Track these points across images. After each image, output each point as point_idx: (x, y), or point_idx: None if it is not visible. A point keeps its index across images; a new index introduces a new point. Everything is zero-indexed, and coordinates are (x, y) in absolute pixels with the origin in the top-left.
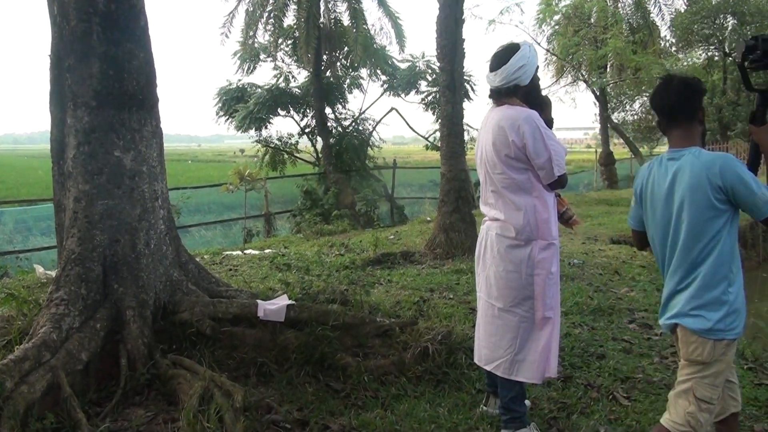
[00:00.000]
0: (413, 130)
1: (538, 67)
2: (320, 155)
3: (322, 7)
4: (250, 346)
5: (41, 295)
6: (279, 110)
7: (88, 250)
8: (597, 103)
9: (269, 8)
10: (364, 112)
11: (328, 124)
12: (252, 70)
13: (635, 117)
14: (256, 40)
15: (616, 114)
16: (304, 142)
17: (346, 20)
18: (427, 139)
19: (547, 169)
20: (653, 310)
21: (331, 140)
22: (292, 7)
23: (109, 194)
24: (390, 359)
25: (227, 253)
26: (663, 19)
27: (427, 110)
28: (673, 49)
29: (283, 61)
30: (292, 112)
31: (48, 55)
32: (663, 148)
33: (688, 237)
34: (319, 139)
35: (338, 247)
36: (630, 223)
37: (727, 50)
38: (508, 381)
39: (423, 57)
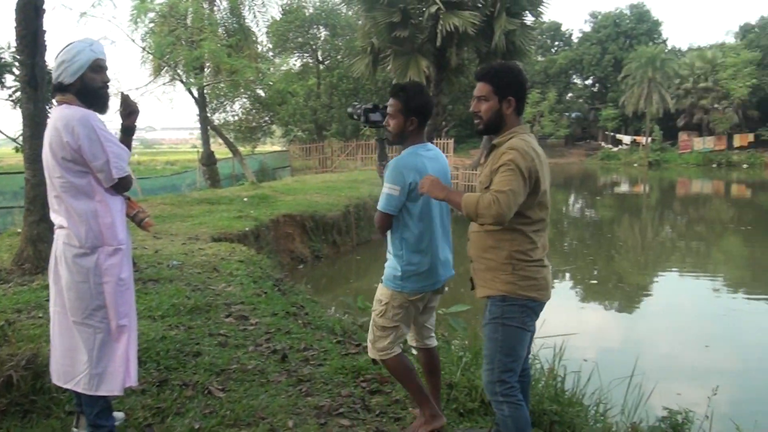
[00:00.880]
0: None
1: (103, 67)
2: None
3: None
4: None
5: None
6: None
7: None
8: (196, 104)
9: None
10: None
11: None
12: None
13: (235, 117)
14: None
15: (217, 114)
16: None
17: None
18: (15, 140)
19: (106, 171)
20: (249, 302)
21: None
22: None
23: None
24: None
25: None
26: (258, 25)
27: (15, 108)
28: (271, 54)
29: None
30: None
31: None
32: (266, 147)
33: (448, 213)
34: None
35: None
36: (389, 209)
37: (320, 58)
38: (91, 397)
39: (9, 48)
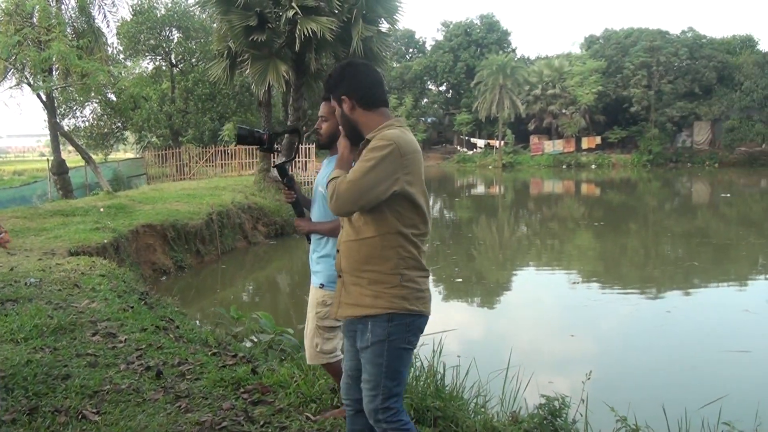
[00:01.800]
0: None
1: None
2: None
3: None
4: None
5: None
6: None
7: None
8: (45, 109)
9: None
10: None
11: None
12: None
13: (87, 123)
14: None
15: (67, 120)
16: None
17: None
18: None
19: None
20: (115, 318)
21: None
22: None
23: None
24: None
25: None
26: (108, 26)
27: None
28: (122, 56)
29: None
30: None
31: None
32: (119, 155)
33: None
34: None
35: None
36: None
37: (173, 61)
38: None
39: None
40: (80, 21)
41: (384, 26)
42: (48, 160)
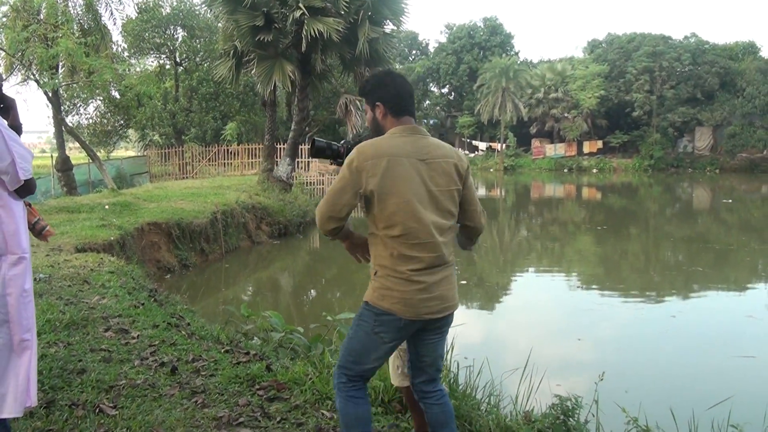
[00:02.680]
0: None
1: None
2: None
3: None
4: None
5: None
6: None
7: None
8: (50, 105)
9: None
10: None
11: None
12: None
13: (90, 120)
14: None
15: (70, 117)
16: None
17: None
18: None
19: (12, 173)
20: (126, 315)
21: None
22: None
23: None
24: None
25: None
26: (115, 24)
27: None
28: (126, 54)
29: None
30: None
31: None
32: (121, 153)
33: None
34: None
35: None
36: None
37: (177, 59)
38: None
39: None
40: (87, 18)
41: (389, 27)
42: (52, 156)
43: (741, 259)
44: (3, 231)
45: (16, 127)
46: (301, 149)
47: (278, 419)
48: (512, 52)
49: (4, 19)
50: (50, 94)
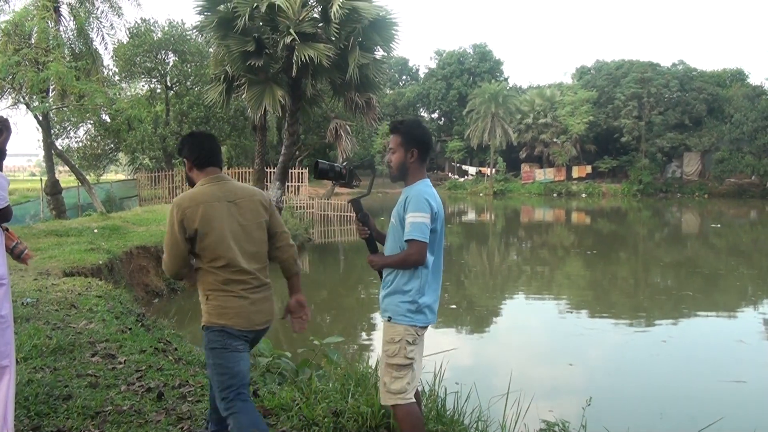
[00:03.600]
0: None
1: None
2: None
3: None
4: None
5: None
6: None
7: None
8: (40, 129)
9: None
10: None
11: None
12: None
13: (80, 144)
14: None
15: (60, 140)
16: None
17: None
18: None
19: None
20: (114, 339)
21: None
22: None
23: None
24: None
25: None
26: (106, 48)
27: None
28: (117, 78)
29: None
30: None
31: None
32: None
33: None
34: None
35: None
36: (426, 237)
37: (168, 83)
38: None
39: None
40: (78, 42)
41: (380, 53)
42: (41, 179)
43: (730, 284)
44: None
45: (1, 151)
46: (292, 173)
47: None
48: (501, 78)
49: None
50: (40, 118)
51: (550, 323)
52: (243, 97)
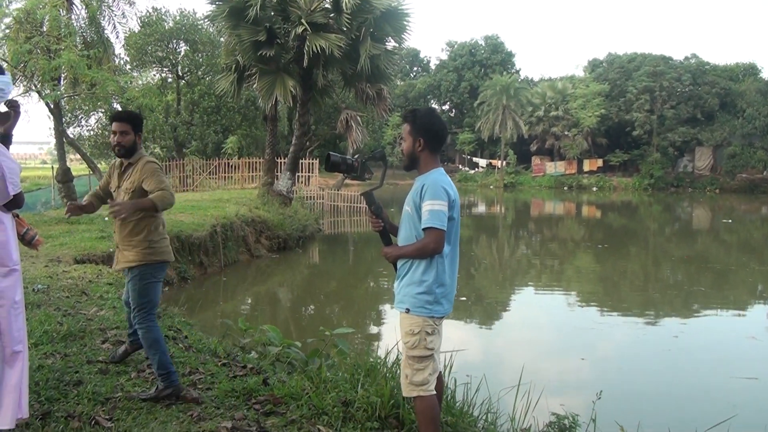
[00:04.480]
0: None
1: None
2: None
3: None
4: None
5: None
6: None
7: None
8: (51, 117)
9: None
10: None
11: None
12: None
13: (91, 132)
14: None
15: (72, 129)
16: None
17: None
18: None
19: (1, 188)
20: (124, 327)
21: None
22: None
23: None
24: None
25: None
26: (118, 37)
27: None
28: (128, 67)
29: None
30: None
31: None
32: None
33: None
34: None
35: None
36: (444, 225)
37: (180, 73)
38: None
39: None
40: (90, 31)
41: (391, 44)
42: (52, 167)
43: (741, 280)
44: None
45: (7, 136)
46: (302, 164)
47: None
48: (513, 70)
49: (7, 31)
50: (52, 106)
51: (560, 317)
52: (254, 87)
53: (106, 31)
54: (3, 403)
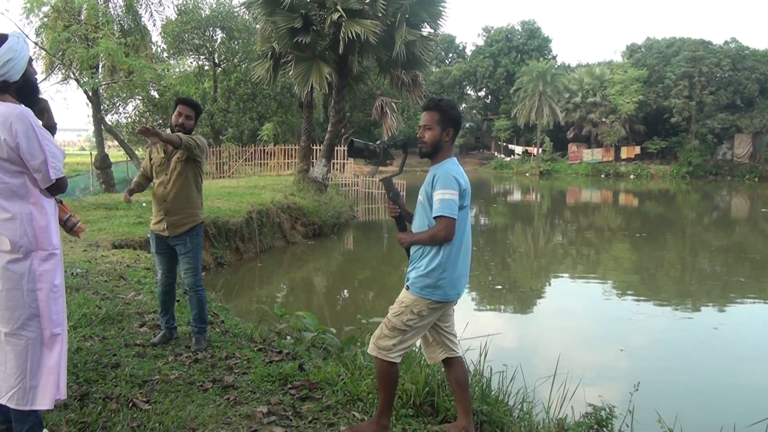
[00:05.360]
0: None
1: (31, 60)
2: None
3: None
4: None
5: None
6: None
7: None
8: (90, 104)
9: None
10: None
11: None
12: None
13: (129, 119)
14: None
15: (110, 116)
16: None
17: None
18: None
19: (44, 171)
20: None
21: None
22: None
23: None
24: None
25: None
26: (155, 24)
27: None
28: (165, 55)
29: None
30: None
31: None
32: None
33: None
34: None
35: None
36: (455, 213)
37: (216, 60)
38: (22, 413)
39: None
40: (127, 19)
41: (426, 30)
42: (91, 154)
43: None
44: (34, 227)
45: (51, 127)
46: (337, 150)
47: (310, 419)
48: (550, 56)
49: (46, 20)
50: (90, 93)
51: (596, 306)
52: (290, 73)
53: (143, 19)
54: (42, 383)
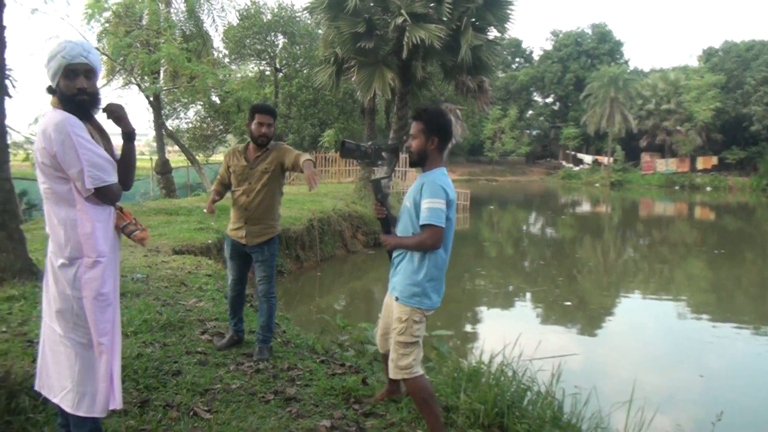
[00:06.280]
0: None
1: (79, 72)
2: None
3: None
4: None
5: None
6: None
7: None
8: (151, 109)
9: None
10: None
11: None
12: None
13: (190, 125)
14: None
15: (170, 121)
16: None
17: None
18: None
19: (81, 180)
20: (223, 318)
21: None
22: None
23: None
24: None
25: None
26: (216, 30)
27: None
28: (227, 60)
29: None
30: None
31: None
32: (219, 157)
33: None
34: None
35: None
36: (443, 222)
37: (278, 66)
38: (80, 418)
39: None
40: (189, 24)
41: (493, 34)
42: (151, 159)
43: None
44: (78, 234)
45: (129, 133)
46: (400, 158)
47: None
48: (622, 61)
49: (107, 25)
50: (151, 99)
51: (671, 327)
52: (352, 79)
53: (205, 24)
54: (93, 391)
